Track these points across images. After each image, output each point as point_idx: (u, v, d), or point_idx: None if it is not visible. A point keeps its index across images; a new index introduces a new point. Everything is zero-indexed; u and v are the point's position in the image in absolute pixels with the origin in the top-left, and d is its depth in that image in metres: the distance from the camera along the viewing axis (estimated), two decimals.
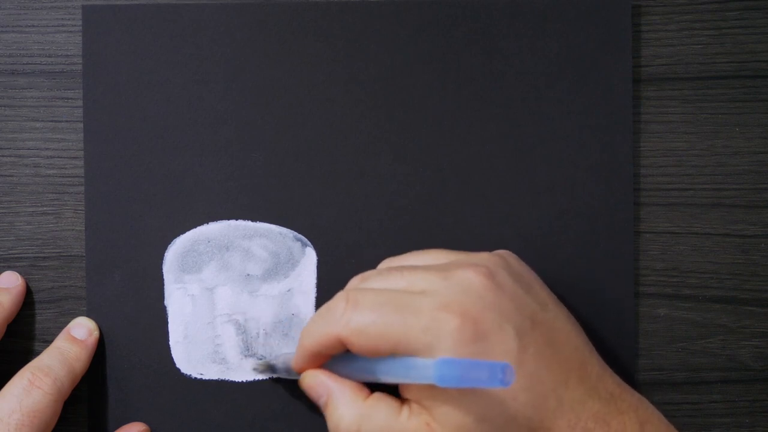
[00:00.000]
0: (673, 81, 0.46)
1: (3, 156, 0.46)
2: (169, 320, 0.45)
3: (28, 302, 0.45)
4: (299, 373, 0.42)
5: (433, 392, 0.37)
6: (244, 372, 0.45)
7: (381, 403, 0.39)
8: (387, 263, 0.43)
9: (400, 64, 0.45)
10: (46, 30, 0.46)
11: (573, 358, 0.38)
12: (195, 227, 0.45)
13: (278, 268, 0.45)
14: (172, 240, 0.45)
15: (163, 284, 0.45)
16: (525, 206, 0.45)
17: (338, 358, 0.40)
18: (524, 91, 0.45)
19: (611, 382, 0.39)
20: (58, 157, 0.46)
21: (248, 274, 0.45)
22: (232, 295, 0.45)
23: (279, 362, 0.43)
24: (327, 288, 0.45)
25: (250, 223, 0.45)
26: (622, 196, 0.45)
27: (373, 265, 0.44)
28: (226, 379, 0.45)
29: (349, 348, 0.38)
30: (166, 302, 0.45)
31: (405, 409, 0.38)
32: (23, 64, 0.46)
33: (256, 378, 0.45)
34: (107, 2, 0.46)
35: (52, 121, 0.46)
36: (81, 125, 0.45)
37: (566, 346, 0.39)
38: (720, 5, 0.46)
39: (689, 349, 0.46)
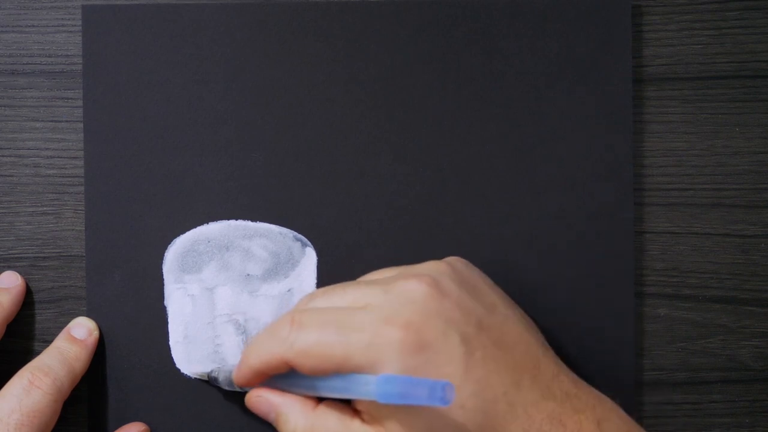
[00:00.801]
0: (673, 81, 0.46)
1: (3, 156, 0.46)
2: (169, 320, 0.45)
3: (28, 302, 0.45)
4: (240, 387, 0.42)
5: (380, 406, 0.37)
6: None
7: (331, 411, 0.39)
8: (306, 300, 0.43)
9: (400, 64, 0.45)
10: (46, 30, 0.46)
11: (525, 359, 0.38)
12: (195, 227, 0.45)
13: (278, 268, 0.45)
14: (172, 240, 0.45)
15: (163, 284, 0.45)
16: (525, 206, 0.45)
17: (282, 375, 0.40)
18: (524, 91, 0.45)
19: (567, 380, 0.39)
20: (58, 157, 0.46)
21: (248, 274, 0.45)
22: (232, 295, 0.45)
23: (220, 375, 0.44)
24: None
25: (250, 223, 0.45)
26: (622, 196, 0.45)
27: (373, 266, 0.44)
28: None
29: (296, 368, 0.38)
30: (166, 302, 0.45)
31: (357, 419, 0.39)
32: (23, 64, 0.46)
33: None
34: (107, 2, 0.46)
35: (52, 121, 0.46)
36: (81, 125, 0.45)
37: (517, 347, 0.38)
38: (720, 5, 0.46)
39: (689, 349, 0.46)
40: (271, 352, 0.39)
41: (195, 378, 0.45)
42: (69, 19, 0.46)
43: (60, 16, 0.46)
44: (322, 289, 0.41)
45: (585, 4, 0.45)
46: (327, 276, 0.45)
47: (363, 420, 0.38)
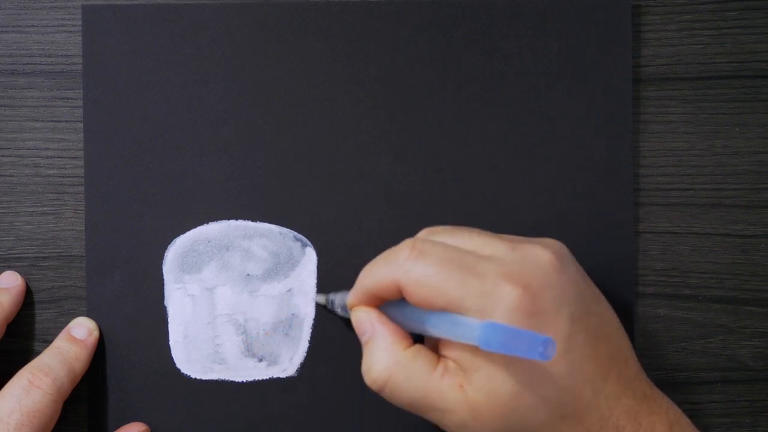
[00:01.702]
0: (673, 81, 0.46)
1: (3, 156, 0.46)
2: (169, 320, 0.45)
3: (28, 302, 0.45)
4: (352, 307, 0.42)
5: (474, 355, 0.37)
6: (244, 372, 0.45)
7: (418, 355, 0.38)
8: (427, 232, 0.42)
9: (400, 64, 0.45)
10: (46, 30, 0.46)
11: (616, 353, 0.38)
12: (195, 227, 0.45)
13: (278, 268, 0.45)
14: (172, 240, 0.45)
15: (163, 284, 0.45)
16: (525, 206, 0.45)
17: (391, 303, 0.40)
18: (524, 91, 0.45)
19: (645, 382, 0.39)
20: (58, 157, 0.46)
21: (248, 274, 0.45)
22: (232, 295, 0.45)
23: (337, 299, 0.44)
24: (327, 288, 0.45)
25: (250, 223, 0.45)
26: (622, 196, 0.45)
27: None
28: (226, 379, 0.45)
29: (405, 296, 0.38)
30: (166, 302, 0.45)
31: (440, 366, 0.38)
32: (23, 64, 0.46)
33: (257, 378, 0.45)
34: (107, 2, 0.46)
35: (52, 121, 0.46)
36: (81, 125, 0.45)
37: (612, 340, 0.39)
38: (720, 5, 0.46)
39: (689, 349, 0.46)
40: (385, 275, 0.38)
41: (196, 378, 0.45)
42: (69, 19, 0.46)
43: (60, 16, 0.46)
44: (445, 227, 0.41)
45: (585, 4, 0.45)
46: (327, 276, 0.45)
47: (446, 368, 0.38)
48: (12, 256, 0.46)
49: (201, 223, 0.45)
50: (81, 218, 0.45)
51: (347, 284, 0.43)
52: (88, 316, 0.45)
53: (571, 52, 0.45)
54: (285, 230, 0.45)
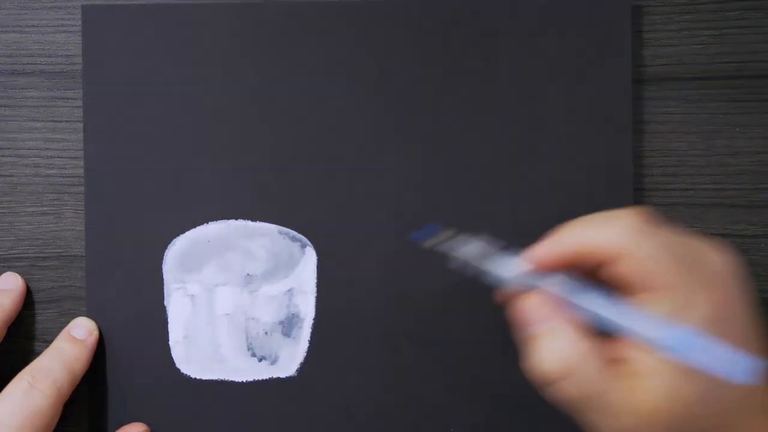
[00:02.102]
0: (673, 81, 0.46)
1: (3, 156, 0.46)
2: (169, 320, 0.45)
3: (28, 302, 0.45)
4: (540, 265, 0.38)
5: (657, 359, 0.35)
6: (244, 372, 0.45)
7: (595, 352, 0.36)
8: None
9: (400, 64, 0.45)
10: (46, 30, 0.46)
11: None
12: (195, 227, 0.45)
13: (278, 268, 0.45)
14: (172, 240, 0.45)
15: (163, 284, 0.45)
16: (525, 206, 0.45)
17: (574, 286, 0.38)
18: (524, 91, 0.45)
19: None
20: (58, 157, 0.46)
21: (248, 274, 0.45)
22: (232, 295, 0.45)
23: (473, 247, 0.39)
24: (327, 288, 0.45)
25: (250, 223, 0.45)
26: (622, 196, 0.45)
27: (373, 265, 0.44)
28: (226, 379, 0.45)
29: (622, 267, 0.36)
30: (166, 302, 0.45)
31: (614, 366, 0.36)
32: (23, 64, 0.46)
33: (257, 378, 0.45)
34: (107, 2, 0.46)
35: (52, 121, 0.46)
36: (81, 125, 0.45)
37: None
38: (720, 5, 0.46)
39: None
40: (610, 238, 0.36)
41: (196, 378, 0.45)
42: (69, 19, 0.46)
43: (60, 16, 0.46)
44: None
45: (585, 4, 0.45)
46: (327, 276, 0.45)
47: (619, 369, 0.36)
48: (12, 256, 0.46)
49: (201, 223, 0.45)
50: (81, 218, 0.45)
51: (347, 284, 0.43)
52: (88, 316, 0.45)
53: (571, 52, 0.45)
54: (285, 230, 0.45)
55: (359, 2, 0.45)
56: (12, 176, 0.46)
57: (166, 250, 0.45)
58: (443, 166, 0.45)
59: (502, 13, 0.45)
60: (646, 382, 0.35)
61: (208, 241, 0.45)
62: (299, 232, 0.45)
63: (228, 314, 0.45)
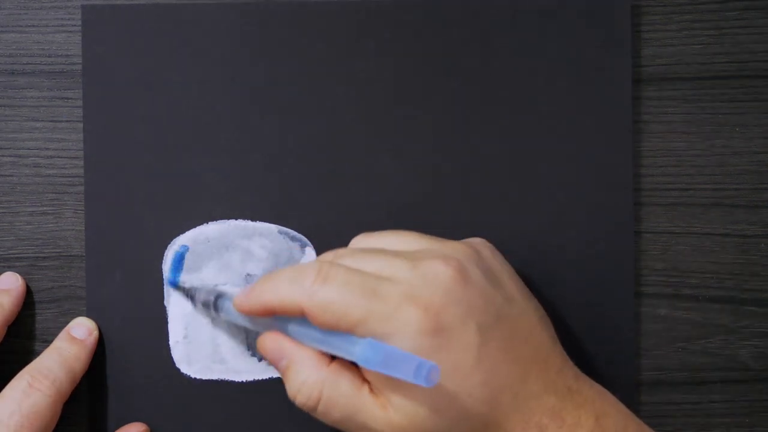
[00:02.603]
0: (673, 81, 0.46)
1: (3, 156, 0.46)
2: (169, 320, 0.45)
3: (28, 302, 0.45)
4: (242, 311, 0.40)
5: (386, 379, 0.37)
6: (244, 372, 0.45)
7: (344, 372, 0.38)
8: (360, 239, 0.42)
9: (400, 64, 0.45)
10: (46, 30, 0.46)
11: (535, 353, 0.38)
12: (195, 227, 0.45)
13: (278, 267, 0.45)
14: (172, 240, 0.45)
15: (163, 284, 0.45)
16: (525, 206, 0.45)
17: (291, 319, 0.40)
18: (524, 91, 0.45)
19: (570, 375, 0.39)
20: (58, 157, 0.46)
21: (248, 274, 0.45)
22: (232, 295, 0.45)
23: (221, 299, 0.43)
24: None
25: (250, 223, 0.45)
26: (622, 196, 0.45)
27: None
28: (226, 379, 0.45)
29: (309, 319, 0.38)
30: (166, 302, 0.45)
31: (366, 385, 0.38)
32: (23, 64, 0.46)
33: (257, 378, 0.45)
34: (107, 2, 0.46)
35: (52, 121, 0.46)
36: (81, 125, 0.45)
37: (529, 341, 0.38)
38: (720, 5, 0.46)
39: (689, 349, 0.46)
40: (290, 296, 0.38)
41: (196, 378, 0.45)
42: (69, 19, 0.46)
43: (60, 16, 0.46)
44: (348, 249, 0.41)
45: (585, 4, 0.45)
46: None
47: (371, 389, 0.38)
48: (12, 256, 0.46)
49: (201, 223, 0.45)
50: (81, 218, 0.45)
51: None
52: (88, 316, 0.45)
53: (571, 52, 0.45)
54: (285, 230, 0.45)
55: (359, 2, 0.45)
56: (12, 176, 0.46)
57: (166, 250, 0.45)
58: (443, 165, 0.45)
59: (501, 13, 0.45)
60: (390, 399, 0.37)
61: (208, 241, 0.45)
62: (299, 232, 0.45)
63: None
